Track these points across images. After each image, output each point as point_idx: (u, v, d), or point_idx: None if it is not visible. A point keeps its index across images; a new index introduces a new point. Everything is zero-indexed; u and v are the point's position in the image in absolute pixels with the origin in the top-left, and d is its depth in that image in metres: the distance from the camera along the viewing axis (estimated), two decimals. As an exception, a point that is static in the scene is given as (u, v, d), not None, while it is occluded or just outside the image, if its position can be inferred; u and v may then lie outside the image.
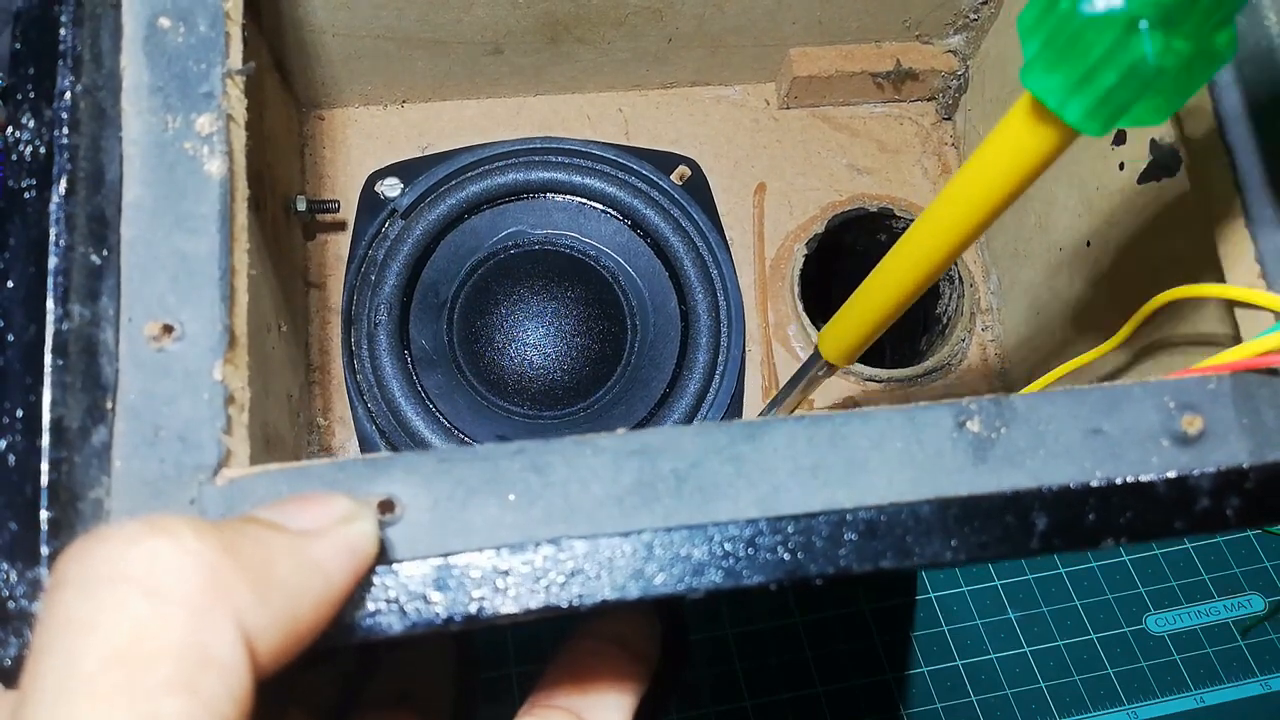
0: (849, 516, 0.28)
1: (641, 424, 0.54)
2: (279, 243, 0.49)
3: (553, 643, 0.33)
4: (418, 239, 0.55)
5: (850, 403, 0.55)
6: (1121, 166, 0.44)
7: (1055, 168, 0.49)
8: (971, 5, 0.54)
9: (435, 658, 0.36)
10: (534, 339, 0.56)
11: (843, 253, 0.60)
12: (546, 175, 0.57)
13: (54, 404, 0.27)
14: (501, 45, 0.54)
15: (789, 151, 0.59)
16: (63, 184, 0.28)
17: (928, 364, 0.56)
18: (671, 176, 0.58)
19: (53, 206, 0.28)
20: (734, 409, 0.55)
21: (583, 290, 0.57)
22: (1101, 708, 0.71)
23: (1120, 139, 0.44)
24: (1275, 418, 0.31)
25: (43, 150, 0.29)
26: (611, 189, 0.57)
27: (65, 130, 0.29)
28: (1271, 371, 0.31)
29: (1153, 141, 0.42)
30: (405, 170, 0.56)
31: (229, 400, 0.29)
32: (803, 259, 0.56)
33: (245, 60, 0.33)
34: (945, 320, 0.58)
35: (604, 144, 0.58)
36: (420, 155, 0.57)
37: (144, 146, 0.31)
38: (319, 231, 0.55)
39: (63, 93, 0.29)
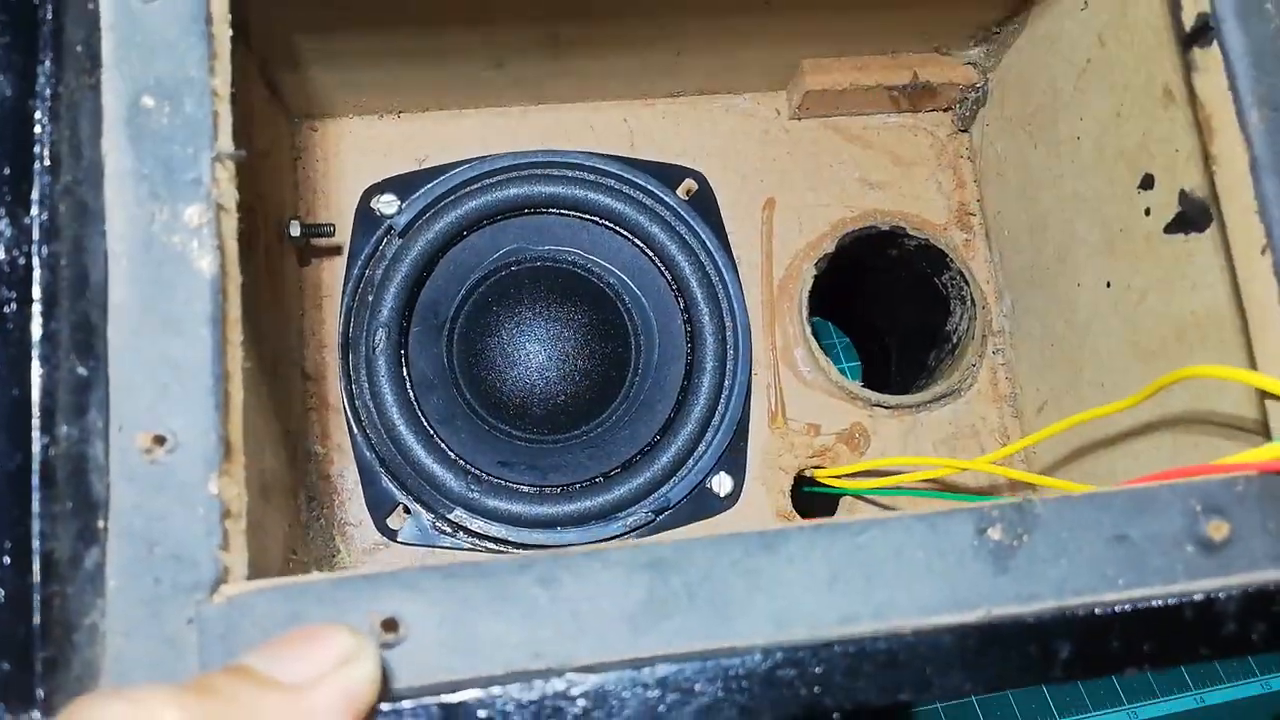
0: (868, 646, 0.27)
1: (646, 450, 0.53)
2: (272, 276, 0.48)
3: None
4: (416, 258, 0.54)
5: (858, 429, 0.54)
6: (1148, 212, 0.43)
7: (1076, 200, 0.48)
8: (995, 18, 0.52)
9: None
10: (536, 360, 0.55)
11: (853, 269, 0.58)
12: (549, 190, 0.55)
13: (43, 536, 0.26)
14: (503, 59, 0.51)
15: (799, 164, 0.57)
16: (45, 298, 0.27)
17: (937, 389, 0.55)
18: (678, 191, 0.56)
19: (35, 326, 0.27)
20: (739, 436, 0.54)
21: (586, 309, 0.56)
22: (1101, 708, 0.72)
23: (1148, 183, 0.43)
24: (1304, 525, 0.30)
25: (21, 261, 0.27)
26: (616, 204, 0.55)
27: (45, 242, 0.27)
28: (1302, 475, 0.30)
29: (1182, 192, 0.40)
30: (402, 185, 0.55)
31: (225, 514, 0.28)
32: (812, 280, 0.55)
33: (235, 138, 0.31)
34: (956, 339, 0.57)
35: (608, 157, 0.56)
36: (417, 169, 0.55)
37: (130, 242, 0.29)
38: (314, 256, 0.53)
39: (41, 198, 0.27)
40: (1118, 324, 0.45)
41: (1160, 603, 0.28)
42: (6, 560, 0.26)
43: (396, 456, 0.52)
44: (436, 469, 0.52)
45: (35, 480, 0.26)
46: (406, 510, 0.52)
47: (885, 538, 0.30)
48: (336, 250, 0.53)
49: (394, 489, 0.52)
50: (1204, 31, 0.35)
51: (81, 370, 0.28)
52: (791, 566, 0.29)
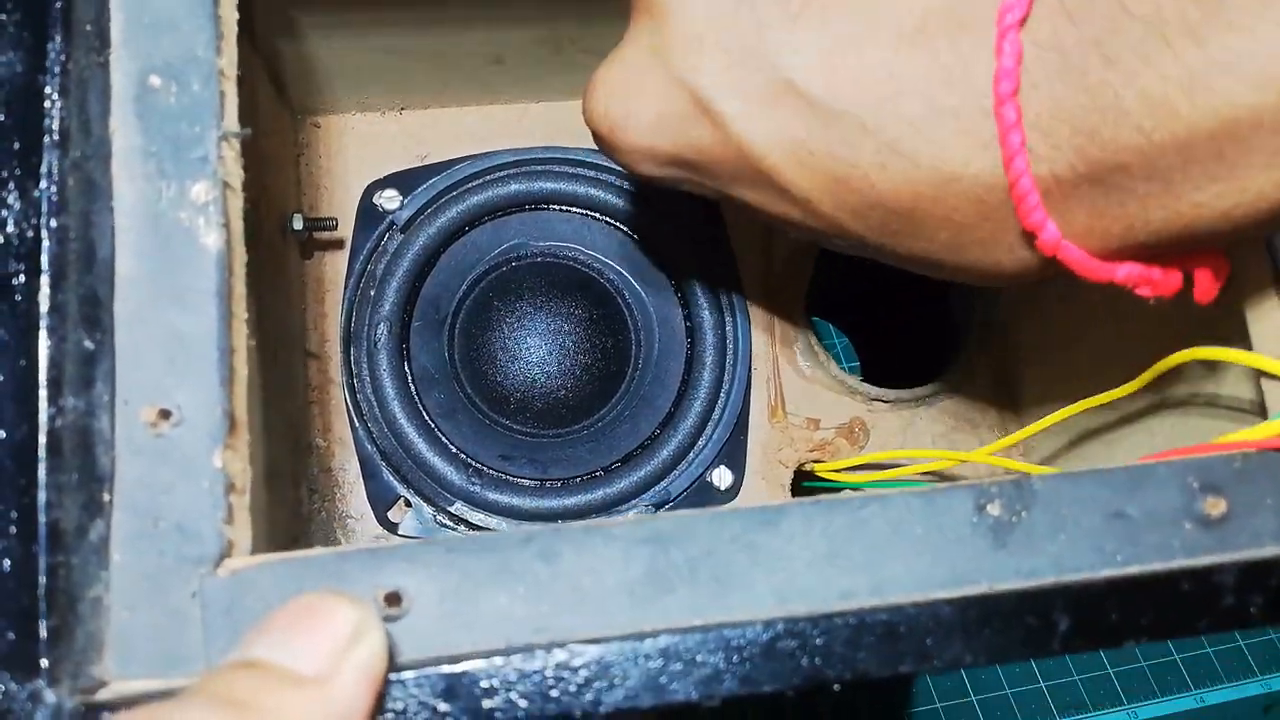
0: (868, 618, 0.28)
1: (646, 444, 0.54)
2: (276, 267, 0.48)
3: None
4: (417, 253, 0.54)
5: (857, 423, 0.54)
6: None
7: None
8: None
9: None
10: (537, 355, 0.55)
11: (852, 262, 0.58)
12: (549, 186, 0.55)
13: (49, 506, 0.26)
14: (503, 56, 0.52)
15: (798, 161, 0.57)
16: (53, 271, 0.27)
17: (936, 384, 0.55)
18: (678, 187, 0.56)
19: (43, 298, 0.27)
20: (739, 429, 0.54)
21: (586, 304, 0.56)
22: (1101, 708, 0.72)
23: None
24: (1301, 501, 0.30)
25: (30, 234, 0.27)
26: (616, 200, 0.55)
27: (53, 215, 0.27)
28: (1299, 452, 0.31)
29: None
30: (404, 181, 0.55)
31: (229, 488, 0.28)
32: (810, 273, 0.55)
33: (242, 96, 0.31)
34: (955, 332, 0.57)
35: (608, 153, 0.56)
36: (419, 165, 0.55)
37: (137, 218, 0.29)
38: (316, 249, 0.54)
39: (50, 172, 0.28)
40: (1118, 318, 0.46)
41: (1159, 572, 0.28)
42: (12, 530, 0.26)
43: (398, 450, 0.52)
44: (437, 462, 0.52)
45: (42, 450, 0.26)
46: (407, 503, 0.52)
47: (885, 514, 0.30)
48: (339, 245, 0.54)
49: (395, 482, 0.52)
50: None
51: (88, 343, 0.28)
52: (792, 542, 0.29)
